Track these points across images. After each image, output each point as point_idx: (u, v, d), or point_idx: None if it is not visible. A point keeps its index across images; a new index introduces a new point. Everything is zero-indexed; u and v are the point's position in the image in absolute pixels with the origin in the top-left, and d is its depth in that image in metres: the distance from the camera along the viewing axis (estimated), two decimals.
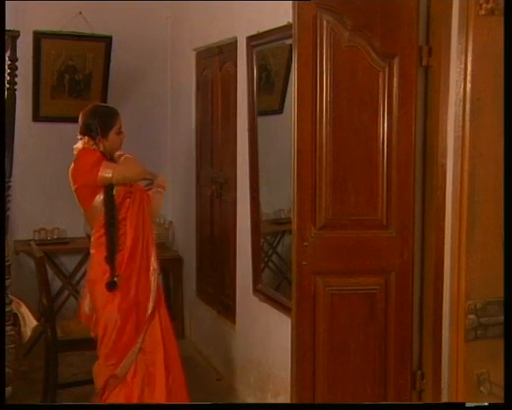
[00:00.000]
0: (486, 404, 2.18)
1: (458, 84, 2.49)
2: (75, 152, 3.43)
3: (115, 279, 3.35)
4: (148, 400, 3.40)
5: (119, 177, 3.33)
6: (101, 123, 3.38)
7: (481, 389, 2.40)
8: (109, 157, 3.44)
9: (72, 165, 3.40)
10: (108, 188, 3.34)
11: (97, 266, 3.42)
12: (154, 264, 3.49)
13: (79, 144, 3.42)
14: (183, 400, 3.50)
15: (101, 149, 3.39)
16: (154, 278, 3.48)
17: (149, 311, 3.43)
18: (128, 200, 3.42)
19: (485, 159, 2.43)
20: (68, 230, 5.22)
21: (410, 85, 2.79)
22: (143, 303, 3.44)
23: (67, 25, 4.99)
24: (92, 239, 3.48)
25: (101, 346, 3.42)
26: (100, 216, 3.38)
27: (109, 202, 3.36)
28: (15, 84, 3.63)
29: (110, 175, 3.29)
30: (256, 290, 4.07)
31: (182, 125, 5.38)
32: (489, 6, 2.35)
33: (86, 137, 3.39)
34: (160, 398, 3.41)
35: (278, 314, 3.73)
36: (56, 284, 5.17)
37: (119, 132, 3.45)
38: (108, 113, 3.48)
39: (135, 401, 3.38)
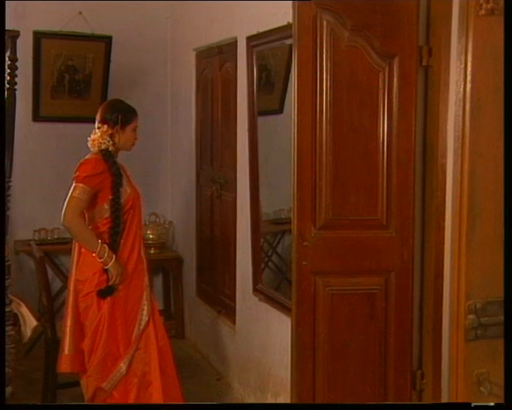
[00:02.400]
0: (492, 404, 2.18)
1: (458, 84, 2.49)
2: (89, 144, 3.45)
3: (113, 286, 3.36)
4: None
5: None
6: (122, 114, 3.44)
7: (481, 389, 2.40)
8: (120, 150, 3.49)
9: (80, 162, 3.40)
10: (116, 196, 3.38)
11: (88, 266, 3.42)
12: (146, 279, 3.52)
13: (97, 134, 3.42)
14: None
15: (117, 140, 3.43)
16: (146, 293, 3.49)
17: (142, 326, 3.43)
18: (131, 210, 3.46)
19: (485, 159, 2.42)
20: None
21: (410, 85, 2.79)
22: (133, 315, 3.44)
23: (67, 25, 4.99)
24: None
25: (89, 358, 3.41)
26: (99, 217, 3.40)
27: (116, 208, 3.39)
28: (15, 84, 3.63)
29: (74, 195, 3.31)
30: (256, 290, 4.07)
31: (182, 125, 5.38)
32: (489, 6, 2.35)
33: (105, 126, 3.41)
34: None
35: (278, 314, 3.73)
36: (56, 284, 5.16)
37: (135, 131, 3.51)
38: (129, 108, 3.54)
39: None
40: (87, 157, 3.42)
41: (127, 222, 3.45)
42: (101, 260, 3.33)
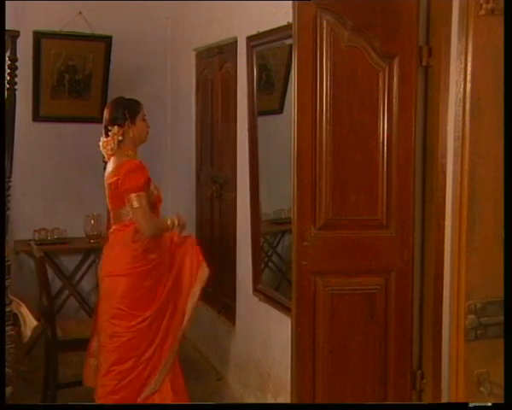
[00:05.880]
0: (490, 404, 2.18)
1: (458, 84, 2.49)
2: (102, 148, 3.46)
3: None
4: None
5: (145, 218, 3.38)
6: (128, 109, 3.46)
7: (481, 389, 2.39)
8: (139, 144, 3.52)
9: (116, 172, 3.39)
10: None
11: (124, 260, 3.44)
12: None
13: (109, 137, 3.42)
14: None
15: (131, 135, 3.44)
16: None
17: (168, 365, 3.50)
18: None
19: (484, 159, 2.42)
20: (68, 230, 5.22)
21: (410, 85, 2.79)
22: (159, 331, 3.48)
23: (67, 25, 4.99)
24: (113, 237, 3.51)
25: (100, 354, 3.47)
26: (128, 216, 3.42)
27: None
28: (15, 84, 3.63)
29: (137, 206, 3.34)
30: (256, 290, 4.07)
31: (182, 125, 5.38)
32: (489, 6, 2.34)
33: (115, 127, 3.42)
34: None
35: (278, 314, 3.73)
36: (56, 284, 5.17)
37: (145, 120, 3.52)
38: (132, 101, 3.55)
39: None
40: (127, 163, 3.38)
41: None
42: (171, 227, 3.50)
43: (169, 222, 3.48)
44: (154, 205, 3.47)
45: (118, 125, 3.42)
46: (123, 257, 3.41)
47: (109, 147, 3.41)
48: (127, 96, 3.63)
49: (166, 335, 3.48)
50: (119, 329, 3.40)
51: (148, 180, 3.40)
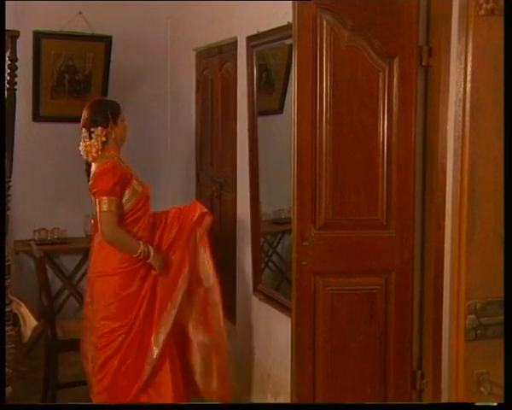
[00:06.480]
0: (495, 404, 2.18)
1: (458, 84, 2.49)
2: (83, 151, 3.44)
3: None
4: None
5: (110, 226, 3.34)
6: (109, 110, 3.44)
7: (481, 389, 2.40)
8: (120, 145, 3.51)
9: (95, 175, 3.38)
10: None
11: (113, 259, 3.42)
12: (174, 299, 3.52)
13: (92, 139, 3.39)
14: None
15: (114, 136, 3.43)
16: (170, 315, 3.50)
17: (155, 354, 3.45)
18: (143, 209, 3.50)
19: (484, 159, 2.42)
20: (68, 230, 5.22)
21: (410, 85, 2.79)
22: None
23: (67, 25, 4.99)
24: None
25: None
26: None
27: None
28: (15, 84, 3.64)
29: (105, 209, 3.31)
30: (256, 290, 4.07)
31: (182, 125, 5.38)
32: (489, 6, 2.35)
33: (99, 128, 3.39)
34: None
35: (278, 314, 3.73)
36: (56, 284, 5.17)
37: (124, 120, 3.52)
38: (113, 102, 3.55)
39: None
40: (100, 167, 3.36)
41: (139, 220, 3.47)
42: (141, 257, 3.38)
43: (141, 247, 3.37)
44: (138, 202, 3.43)
45: (101, 127, 3.40)
46: (111, 257, 3.41)
47: (94, 149, 3.38)
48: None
49: (150, 334, 3.47)
50: (107, 329, 3.40)
51: (122, 183, 3.34)
